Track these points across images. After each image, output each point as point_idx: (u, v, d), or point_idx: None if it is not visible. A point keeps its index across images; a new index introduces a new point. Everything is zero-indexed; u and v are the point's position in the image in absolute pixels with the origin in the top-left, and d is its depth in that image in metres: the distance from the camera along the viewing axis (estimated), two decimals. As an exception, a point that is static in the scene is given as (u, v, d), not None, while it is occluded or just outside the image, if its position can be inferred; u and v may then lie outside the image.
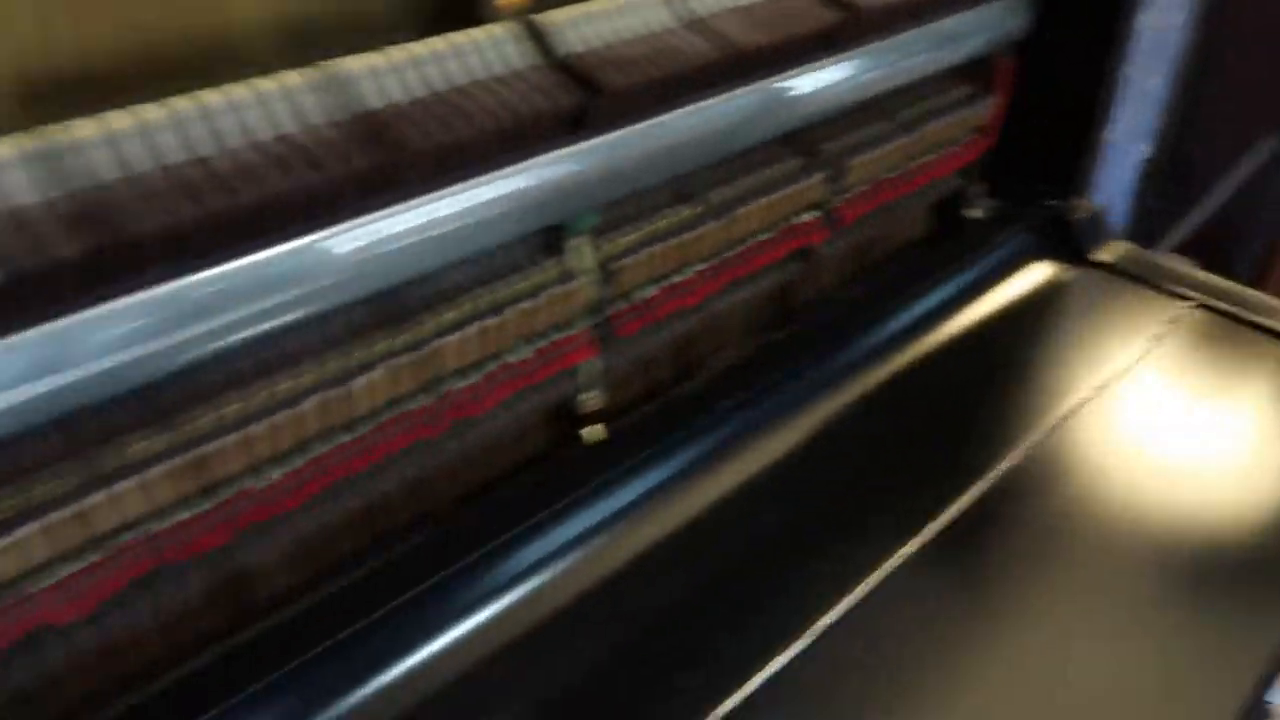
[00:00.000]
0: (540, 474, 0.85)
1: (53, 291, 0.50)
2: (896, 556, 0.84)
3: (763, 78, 0.82)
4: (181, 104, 0.55)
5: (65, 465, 0.56)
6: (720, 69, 0.77)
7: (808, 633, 0.76)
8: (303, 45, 0.66)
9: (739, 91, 0.81)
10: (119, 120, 0.53)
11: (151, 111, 0.54)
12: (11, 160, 0.50)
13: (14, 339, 0.50)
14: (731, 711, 0.70)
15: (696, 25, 0.77)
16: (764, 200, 0.89)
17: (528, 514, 0.80)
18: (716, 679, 0.73)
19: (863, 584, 0.81)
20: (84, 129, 0.53)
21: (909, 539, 0.86)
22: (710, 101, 0.78)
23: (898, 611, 0.80)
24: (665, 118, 0.75)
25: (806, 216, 0.95)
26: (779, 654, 0.75)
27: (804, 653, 0.75)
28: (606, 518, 0.84)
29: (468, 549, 0.77)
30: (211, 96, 0.56)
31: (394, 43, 0.64)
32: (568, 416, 0.85)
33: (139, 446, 0.58)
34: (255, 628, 0.71)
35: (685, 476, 0.90)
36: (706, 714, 0.69)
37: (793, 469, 0.94)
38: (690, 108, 0.77)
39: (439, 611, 0.75)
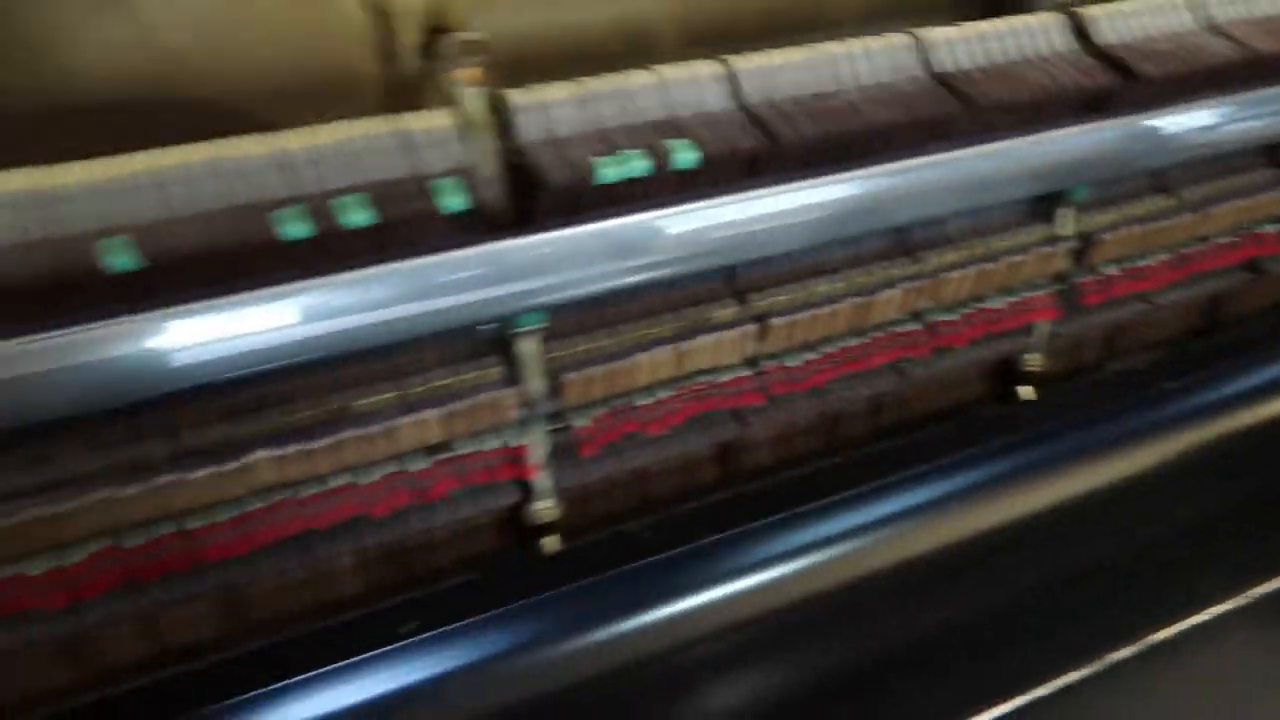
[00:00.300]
0: (972, 418, 0.95)
1: (736, 175, 0.67)
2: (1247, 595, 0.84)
3: (1263, 86, 0.86)
4: (813, 50, 0.71)
5: (666, 317, 0.74)
6: (1235, 71, 0.82)
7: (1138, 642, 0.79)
8: (885, 17, 0.80)
9: (1239, 97, 0.86)
10: (770, 58, 0.70)
11: (795, 54, 0.70)
12: (709, 78, 0.67)
13: (662, 211, 0.67)
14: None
15: (1217, 29, 0.84)
16: (1233, 204, 0.93)
17: (958, 448, 0.91)
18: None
19: (1205, 612, 0.83)
20: (744, 62, 0.69)
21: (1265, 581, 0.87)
22: (1212, 102, 0.84)
23: (1223, 653, 0.80)
24: (1171, 111, 0.82)
25: (1268, 228, 0.98)
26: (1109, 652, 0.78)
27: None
28: (1019, 470, 0.93)
29: (904, 466, 0.89)
30: (833, 47, 0.71)
31: (958, 21, 0.77)
32: (1009, 372, 0.94)
33: (720, 313, 0.75)
34: (736, 488, 0.87)
35: (1095, 452, 0.96)
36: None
37: (1186, 474, 0.97)
38: (1193, 105, 0.83)
39: (869, 511, 0.87)
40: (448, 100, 0.63)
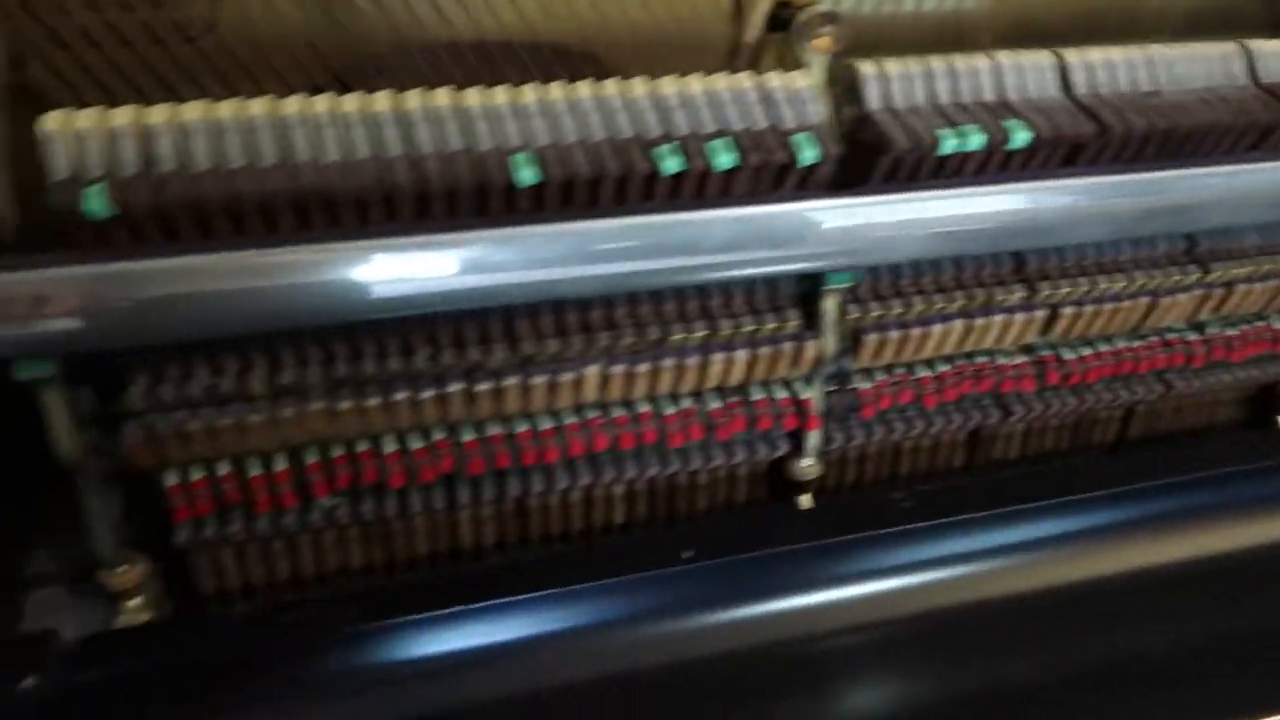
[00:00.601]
0: (1228, 440, 0.94)
1: (1058, 161, 0.69)
2: None
3: None
4: (1140, 50, 0.73)
5: (956, 294, 0.76)
6: None
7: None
8: (1201, 29, 0.81)
9: None
10: (1099, 53, 0.72)
11: (1122, 51, 0.72)
12: (1040, 66, 0.70)
13: (992, 188, 0.70)
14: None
15: None
16: None
17: (1209, 467, 0.90)
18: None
19: None
20: (1074, 55, 0.72)
21: None
22: None
23: None
24: None
25: None
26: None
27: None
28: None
29: (1149, 476, 0.88)
30: (1160, 49, 0.73)
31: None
32: (1272, 397, 0.93)
33: (1008, 297, 0.77)
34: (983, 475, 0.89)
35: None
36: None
37: None
38: None
39: (1106, 516, 0.87)
40: (791, 65, 0.68)
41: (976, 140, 0.65)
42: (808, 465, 0.81)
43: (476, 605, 0.72)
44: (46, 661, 0.65)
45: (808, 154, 0.63)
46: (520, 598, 0.74)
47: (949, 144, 0.65)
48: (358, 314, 0.63)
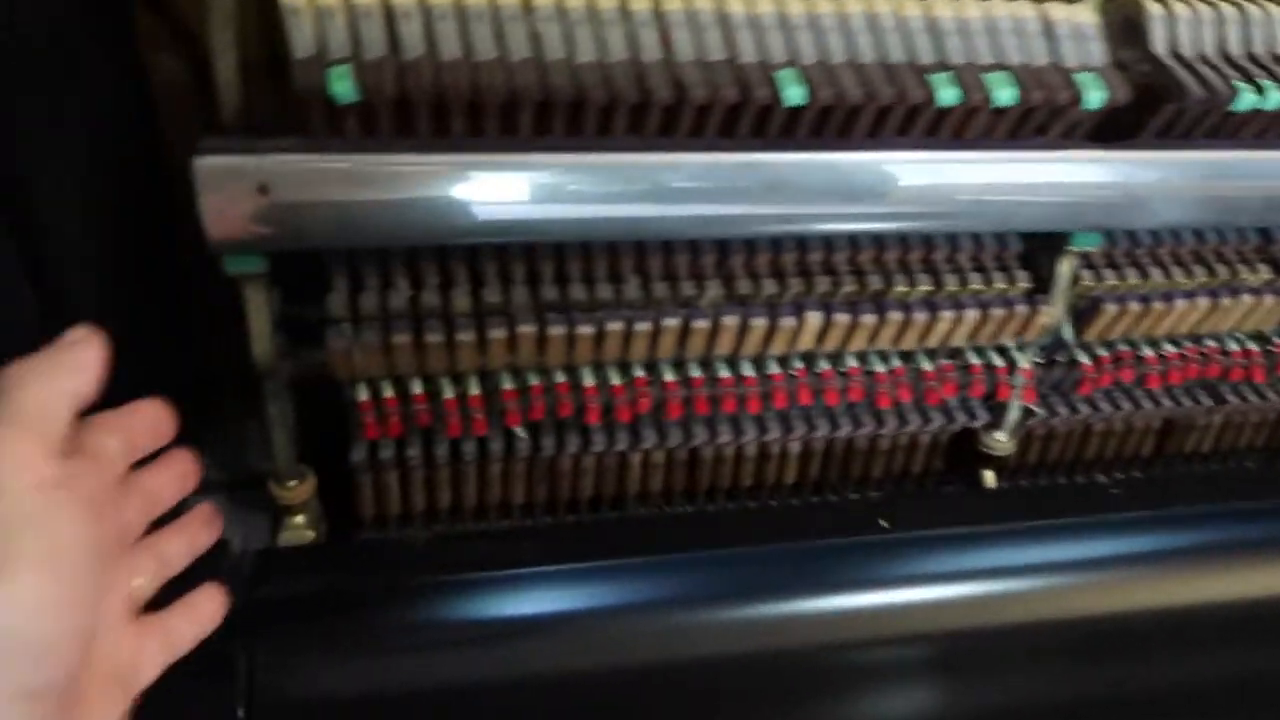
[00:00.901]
0: None
1: None
2: None
3: None
4: None
5: (1196, 269, 0.70)
6: None
7: None
8: None
9: None
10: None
11: None
12: None
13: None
14: None
15: None
16: None
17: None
18: None
19: None
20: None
21: None
22: None
23: None
24: None
25: None
26: None
27: None
28: None
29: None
30: None
31: None
32: None
33: (1251, 276, 0.71)
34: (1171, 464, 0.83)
35: None
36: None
37: None
38: None
39: None
40: None
41: (1277, 97, 0.59)
42: (1002, 440, 0.75)
43: (662, 557, 0.68)
44: (222, 571, 0.62)
45: (1094, 96, 0.57)
46: (700, 554, 0.69)
47: (1246, 99, 0.58)
48: (587, 235, 0.59)
